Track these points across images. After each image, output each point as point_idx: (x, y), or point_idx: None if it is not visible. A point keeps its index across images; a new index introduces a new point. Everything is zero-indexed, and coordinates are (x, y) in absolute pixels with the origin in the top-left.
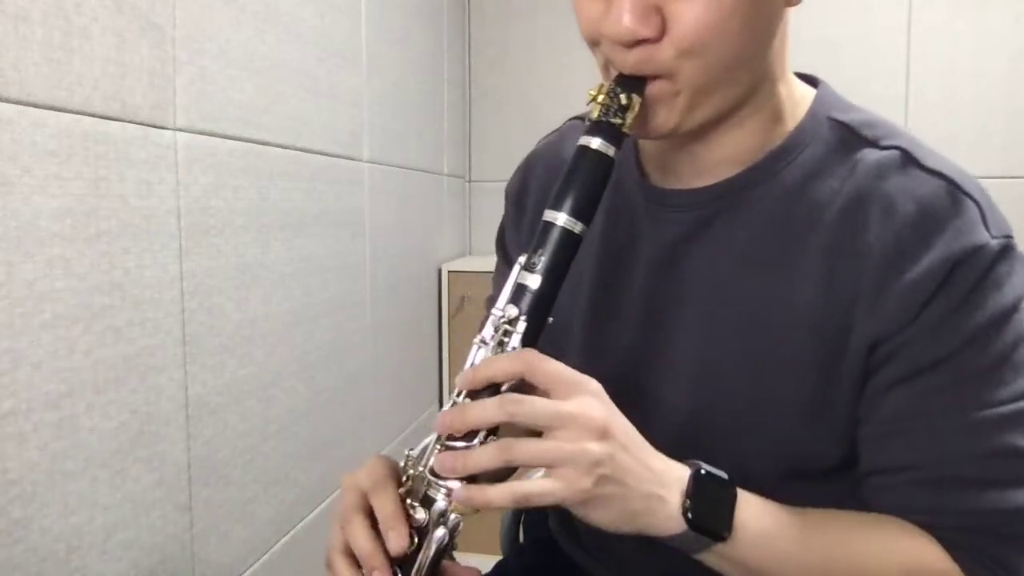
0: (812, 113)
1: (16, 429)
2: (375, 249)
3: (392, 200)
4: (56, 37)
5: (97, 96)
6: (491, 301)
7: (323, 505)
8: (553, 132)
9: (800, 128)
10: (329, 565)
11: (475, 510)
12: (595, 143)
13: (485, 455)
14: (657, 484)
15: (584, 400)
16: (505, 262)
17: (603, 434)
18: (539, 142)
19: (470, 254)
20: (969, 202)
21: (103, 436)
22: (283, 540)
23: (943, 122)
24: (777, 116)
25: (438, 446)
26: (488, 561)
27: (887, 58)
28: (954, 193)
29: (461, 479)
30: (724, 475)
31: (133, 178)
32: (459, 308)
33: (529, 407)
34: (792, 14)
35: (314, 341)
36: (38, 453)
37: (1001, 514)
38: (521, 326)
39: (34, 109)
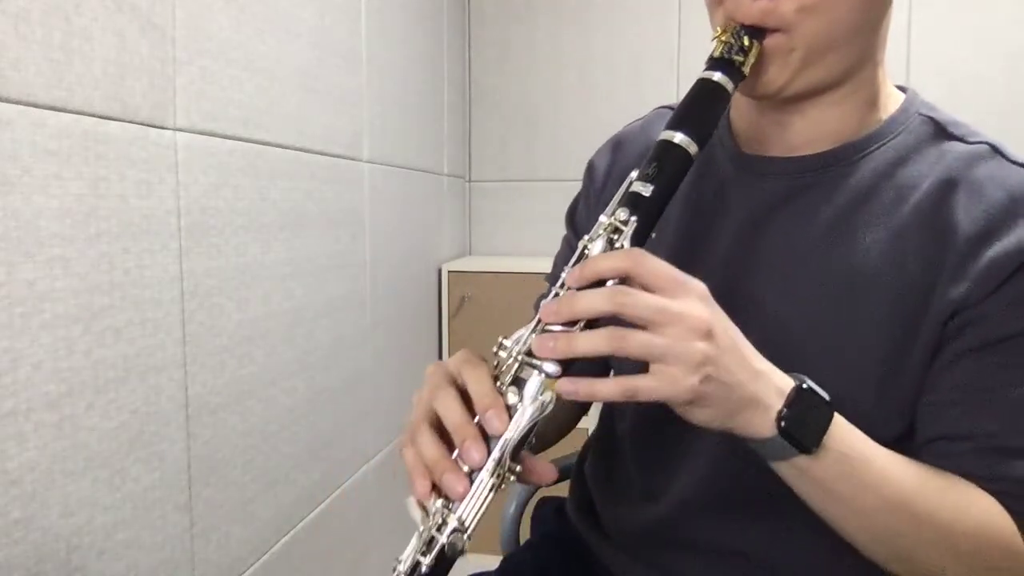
0: (904, 107)
1: (16, 429)
2: (375, 249)
3: (392, 200)
4: (56, 37)
5: (97, 96)
6: (552, 277)
7: (323, 505)
8: (639, 119)
9: (893, 118)
10: (412, 438)
11: (572, 402)
12: (716, 76)
13: (593, 339)
14: (758, 388)
15: (690, 300)
16: (574, 235)
17: (708, 334)
18: (625, 126)
19: (470, 254)
20: None
21: (103, 436)
22: (283, 540)
23: None
24: (872, 102)
25: (535, 334)
26: (488, 561)
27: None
28: None
29: (559, 362)
30: (825, 395)
31: (133, 178)
32: (459, 308)
33: (639, 299)
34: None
35: (314, 341)
36: (38, 453)
37: None
38: (632, 226)
39: (34, 109)
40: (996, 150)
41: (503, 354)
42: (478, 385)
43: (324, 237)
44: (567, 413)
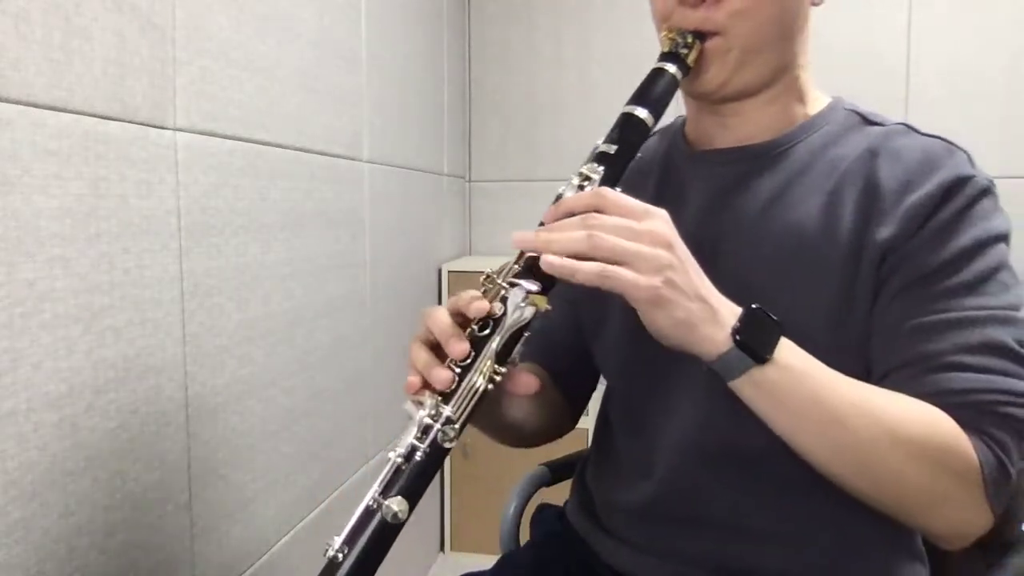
0: (831, 105)
1: (16, 429)
2: (375, 249)
3: (392, 200)
4: (56, 37)
5: (97, 96)
6: None
7: (323, 505)
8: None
9: (820, 113)
10: (410, 352)
11: (546, 303)
12: (666, 66)
13: (572, 234)
14: (714, 304)
15: (654, 221)
16: None
17: (669, 246)
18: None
19: (470, 254)
20: (959, 151)
21: (103, 436)
22: (283, 540)
23: (943, 122)
24: (801, 100)
25: (517, 265)
26: (487, 561)
27: (887, 58)
28: (948, 147)
29: (540, 284)
30: (775, 317)
31: (133, 178)
32: None
33: (606, 220)
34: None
35: (314, 341)
36: (38, 453)
37: (991, 392)
38: (599, 174)
39: (34, 109)
40: (910, 128)
41: (489, 284)
42: (466, 296)
43: (324, 237)
44: (553, 418)
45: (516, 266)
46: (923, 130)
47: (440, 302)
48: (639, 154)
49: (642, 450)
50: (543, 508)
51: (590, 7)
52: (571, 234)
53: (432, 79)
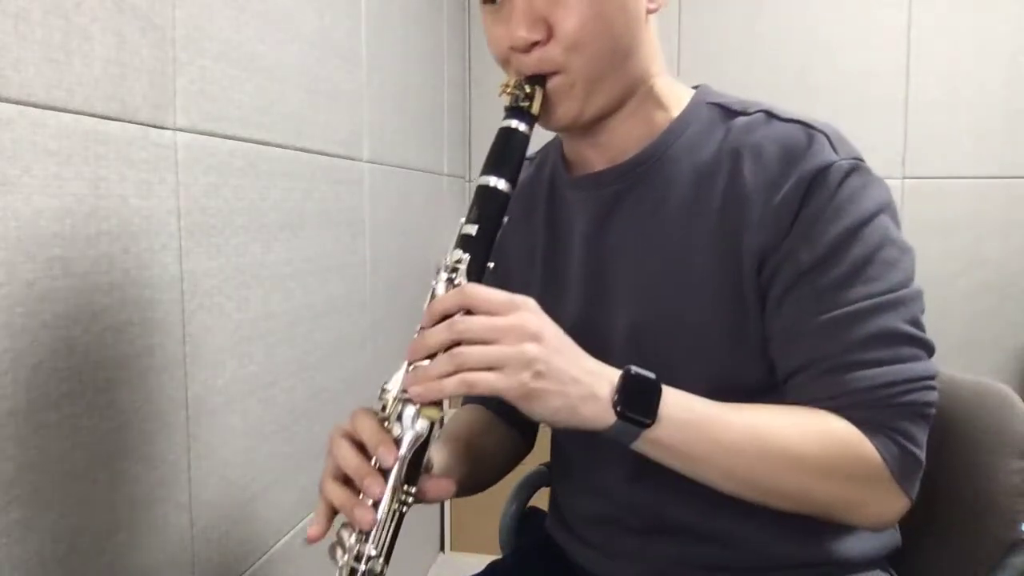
0: (693, 102)
1: (16, 429)
2: (375, 249)
3: (392, 200)
4: (56, 37)
5: (97, 96)
6: None
7: None
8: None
9: (683, 113)
10: (320, 490)
11: (440, 412)
12: (512, 123)
13: (439, 362)
14: (589, 383)
15: (520, 314)
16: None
17: (536, 338)
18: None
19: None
20: (819, 134)
21: (103, 436)
22: (283, 540)
23: (943, 122)
24: (661, 105)
25: (406, 372)
26: (487, 561)
27: (887, 58)
28: (806, 130)
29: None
30: (652, 375)
31: (133, 178)
32: None
33: (472, 323)
34: (787, 15)
35: (314, 341)
36: (38, 453)
37: (888, 386)
38: (465, 263)
39: (34, 109)
40: (770, 114)
41: (387, 396)
42: (365, 428)
43: (324, 237)
44: (504, 454)
45: (407, 374)
46: (783, 114)
47: None
48: (525, 182)
49: (592, 465)
50: (530, 514)
51: None
52: (437, 363)
53: (432, 79)
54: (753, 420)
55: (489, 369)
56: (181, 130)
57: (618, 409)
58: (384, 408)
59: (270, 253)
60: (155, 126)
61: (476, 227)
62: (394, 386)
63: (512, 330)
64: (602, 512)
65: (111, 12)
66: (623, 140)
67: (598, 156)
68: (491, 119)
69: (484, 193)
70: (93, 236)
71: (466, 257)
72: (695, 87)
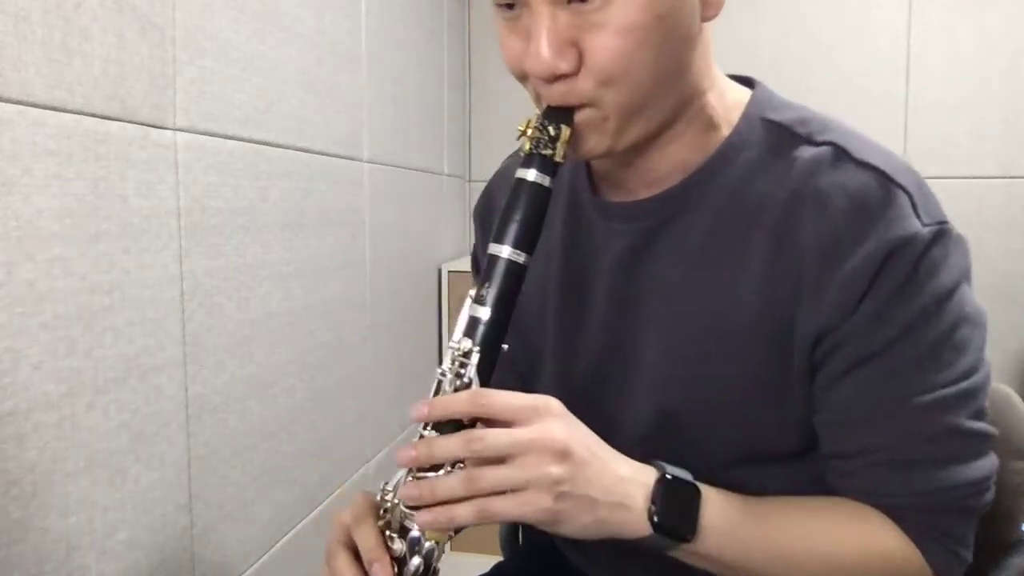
0: (746, 116)
1: (16, 429)
2: (375, 249)
3: (392, 200)
4: (56, 37)
5: (97, 96)
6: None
7: (323, 505)
8: (513, 154)
9: (735, 133)
10: None
11: (447, 534)
12: (530, 175)
13: (451, 484)
14: (621, 492)
15: (542, 424)
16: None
17: (562, 455)
18: (503, 162)
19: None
20: (900, 192)
21: (103, 436)
22: (283, 540)
23: (943, 122)
24: (711, 125)
25: (409, 477)
26: (487, 561)
27: (887, 58)
28: (885, 184)
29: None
30: (688, 477)
31: (133, 178)
32: (459, 308)
33: (488, 441)
34: (787, 14)
35: (314, 341)
36: (38, 453)
37: (949, 490)
38: (475, 357)
39: (34, 109)
40: (841, 151)
41: (388, 498)
42: (363, 541)
43: (324, 237)
44: None
45: (409, 478)
46: (856, 151)
47: (440, 302)
48: None
49: None
50: None
51: None
52: (447, 484)
53: (432, 79)
54: (798, 531)
55: (507, 491)
56: (181, 130)
57: (655, 520)
58: (386, 511)
59: (270, 253)
60: (155, 126)
61: (489, 312)
62: (396, 488)
63: (533, 446)
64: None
65: (111, 12)
66: (664, 165)
67: (634, 181)
68: (491, 119)
69: (498, 267)
70: (93, 236)
71: (476, 352)
72: (743, 79)
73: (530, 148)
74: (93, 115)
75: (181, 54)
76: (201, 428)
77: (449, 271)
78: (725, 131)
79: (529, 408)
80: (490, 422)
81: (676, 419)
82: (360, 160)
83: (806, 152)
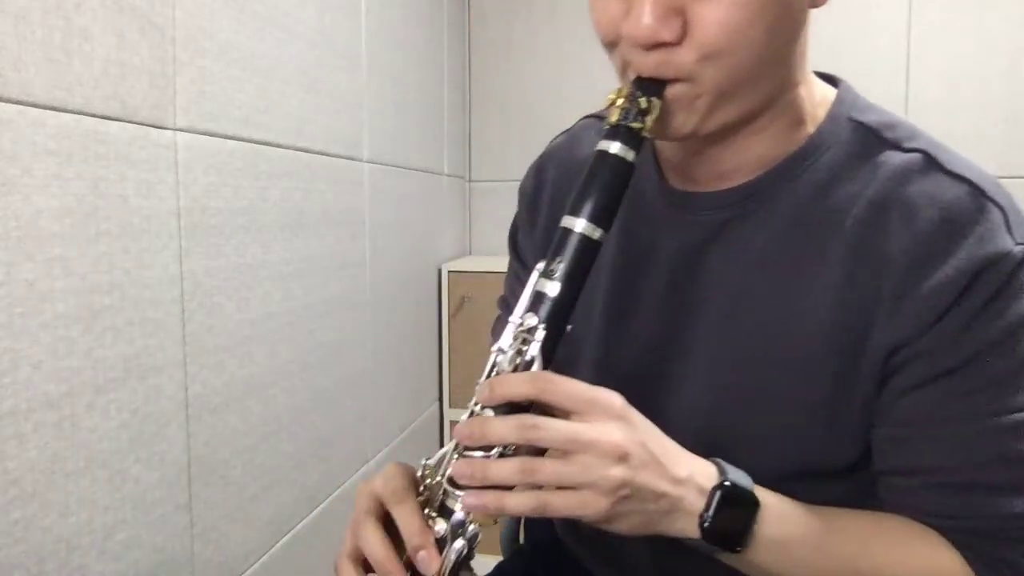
0: (832, 115)
1: (16, 429)
2: (375, 249)
3: (392, 200)
4: (56, 37)
5: (97, 96)
6: (503, 302)
7: (323, 505)
8: (564, 132)
9: (820, 131)
10: (336, 571)
11: (493, 519)
12: (614, 148)
13: (505, 471)
14: (676, 496)
15: (604, 421)
16: (519, 263)
17: (623, 457)
18: (551, 141)
19: (470, 254)
20: (993, 207)
21: (103, 436)
22: (283, 540)
23: (942, 122)
24: (797, 120)
25: (455, 455)
26: (487, 561)
27: (887, 58)
28: (977, 199)
29: (478, 488)
30: (748, 483)
31: (133, 178)
32: (459, 308)
33: (548, 431)
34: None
35: (314, 341)
36: (38, 453)
37: (1014, 519)
38: (540, 335)
39: (34, 109)
40: (931, 159)
41: (428, 477)
42: (407, 522)
43: (324, 237)
44: None
45: (454, 463)
46: (947, 162)
47: (440, 302)
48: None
49: None
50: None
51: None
52: (502, 469)
53: (432, 79)
54: (855, 547)
55: (565, 487)
56: (181, 130)
57: (705, 527)
58: (426, 487)
59: (270, 253)
60: (155, 126)
61: (558, 287)
62: (439, 466)
63: (595, 446)
64: (630, 551)
65: (111, 12)
66: (742, 156)
67: (707, 170)
68: (491, 119)
69: (572, 242)
70: (93, 236)
71: (541, 329)
72: (826, 76)
73: (618, 119)
74: (93, 115)
75: (181, 54)
76: (201, 428)
77: (449, 271)
78: (810, 128)
79: (592, 401)
80: (548, 408)
81: (722, 426)
82: (360, 160)
83: (894, 158)
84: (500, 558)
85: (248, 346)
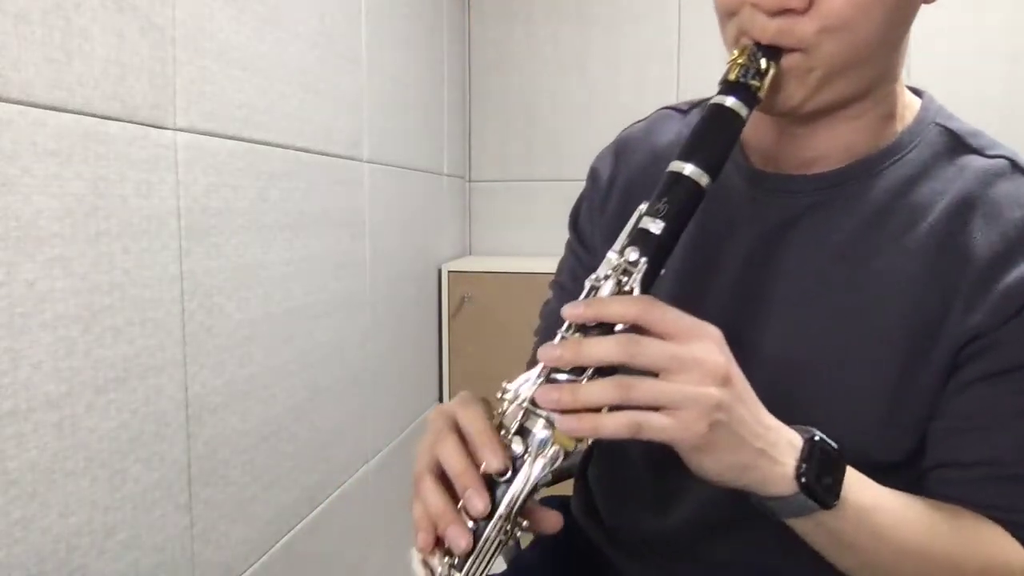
0: (920, 118)
1: (16, 429)
2: (375, 249)
3: (392, 200)
4: (56, 37)
5: (97, 96)
6: (557, 285)
7: (323, 505)
8: (641, 120)
9: (909, 130)
10: (416, 486)
11: (577, 442)
12: (729, 102)
13: (599, 390)
14: (770, 442)
15: (705, 345)
16: (578, 243)
17: (724, 380)
18: (626, 128)
19: (470, 254)
20: None
21: (103, 436)
22: (283, 540)
23: None
24: (889, 115)
25: (540, 379)
26: None
27: None
28: None
29: (563, 412)
30: (835, 445)
31: (133, 178)
32: (459, 308)
33: (650, 347)
34: None
35: (314, 341)
36: (38, 453)
37: None
38: (642, 267)
39: (34, 109)
40: (1016, 166)
41: (507, 402)
42: (474, 427)
43: (324, 237)
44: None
45: (539, 380)
46: None
47: (440, 302)
48: (675, 142)
49: (663, 490)
50: (546, 502)
51: (590, 7)
52: (595, 389)
53: (432, 79)
54: (927, 523)
55: (660, 409)
56: (181, 130)
57: (803, 481)
58: (503, 412)
59: (270, 253)
60: (155, 126)
61: (663, 225)
62: (520, 390)
63: (697, 365)
64: (648, 534)
65: (111, 12)
66: (831, 143)
67: (793, 154)
68: (491, 119)
69: (680, 184)
70: (93, 236)
71: (643, 261)
72: (914, 90)
73: (737, 76)
74: (93, 115)
75: (181, 54)
76: (201, 428)
77: (449, 271)
78: (899, 127)
79: (693, 327)
80: (646, 334)
81: (786, 407)
82: (360, 160)
83: (978, 162)
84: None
85: (248, 346)
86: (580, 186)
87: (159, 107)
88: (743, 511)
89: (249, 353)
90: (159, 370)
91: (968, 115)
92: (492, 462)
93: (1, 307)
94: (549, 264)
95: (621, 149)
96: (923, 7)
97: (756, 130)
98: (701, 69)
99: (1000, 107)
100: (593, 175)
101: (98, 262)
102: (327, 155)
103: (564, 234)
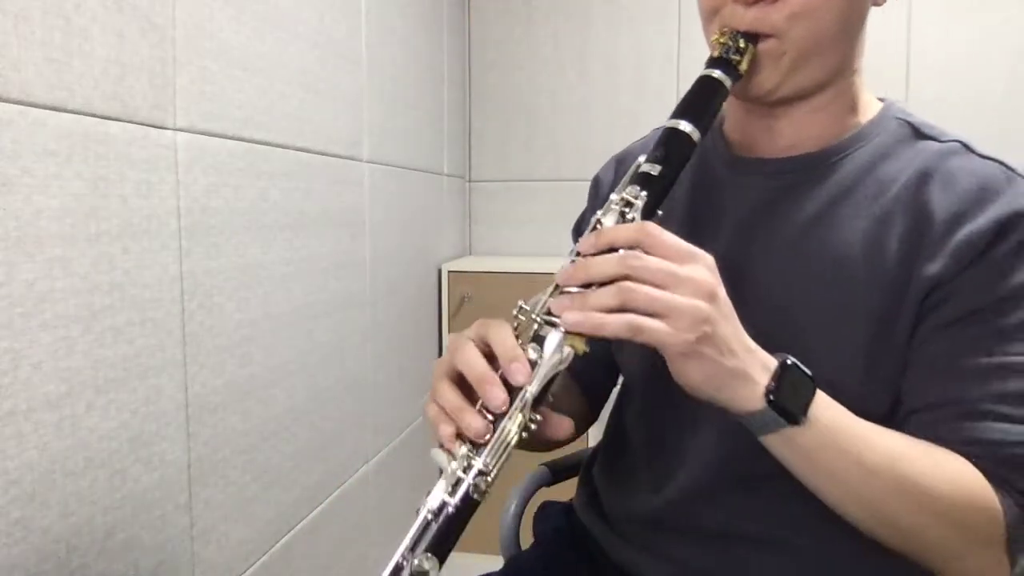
0: (882, 113)
1: (16, 429)
2: (375, 249)
3: (392, 200)
4: (56, 37)
5: (97, 96)
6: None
7: (323, 505)
8: (641, 139)
9: (871, 122)
10: (433, 393)
11: (586, 342)
12: (715, 73)
13: (604, 293)
14: (748, 362)
15: (697, 266)
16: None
17: (712, 297)
18: (629, 144)
19: (470, 254)
20: (1019, 179)
21: (103, 436)
22: (283, 540)
23: (943, 122)
24: (852, 107)
25: (552, 297)
26: (487, 560)
27: (887, 58)
28: (1007, 172)
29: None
30: (808, 371)
31: (133, 178)
32: (459, 308)
33: (648, 262)
34: None
35: (314, 341)
36: (38, 453)
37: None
38: (642, 200)
39: (34, 109)
40: (966, 146)
41: (523, 317)
42: (501, 339)
43: (324, 237)
44: (575, 418)
45: (552, 299)
46: (980, 150)
47: (440, 302)
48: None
49: (659, 465)
50: (547, 505)
51: (590, 7)
52: (599, 293)
53: (432, 79)
54: (892, 444)
55: (656, 316)
56: (181, 130)
57: (771, 398)
58: (518, 327)
59: (270, 253)
60: (155, 126)
61: (659, 168)
62: (534, 308)
63: (689, 282)
64: (648, 511)
65: (111, 12)
66: (803, 132)
67: (769, 142)
68: (491, 119)
69: (672, 136)
70: (93, 236)
71: (643, 195)
72: (880, 99)
73: (720, 52)
74: (93, 115)
75: (181, 54)
76: (201, 428)
77: (449, 271)
78: (861, 119)
79: (688, 251)
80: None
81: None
82: (360, 160)
83: (934, 145)
84: (500, 559)
85: (248, 346)
86: (580, 186)
87: (159, 107)
88: (729, 482)
89: (249, 353)
90: (159, 370)
91: (968, 115)
92: (520, 376)
93: (1, 307)
94: (549, 264)
95: (622, 160)
96: (871, 9)
97: (735, 123)
98: (701, 69)
99: (1000, 107)
100: (595, 183)
101: (98, 262)
102: (327, 155)
103: (564, 234)
